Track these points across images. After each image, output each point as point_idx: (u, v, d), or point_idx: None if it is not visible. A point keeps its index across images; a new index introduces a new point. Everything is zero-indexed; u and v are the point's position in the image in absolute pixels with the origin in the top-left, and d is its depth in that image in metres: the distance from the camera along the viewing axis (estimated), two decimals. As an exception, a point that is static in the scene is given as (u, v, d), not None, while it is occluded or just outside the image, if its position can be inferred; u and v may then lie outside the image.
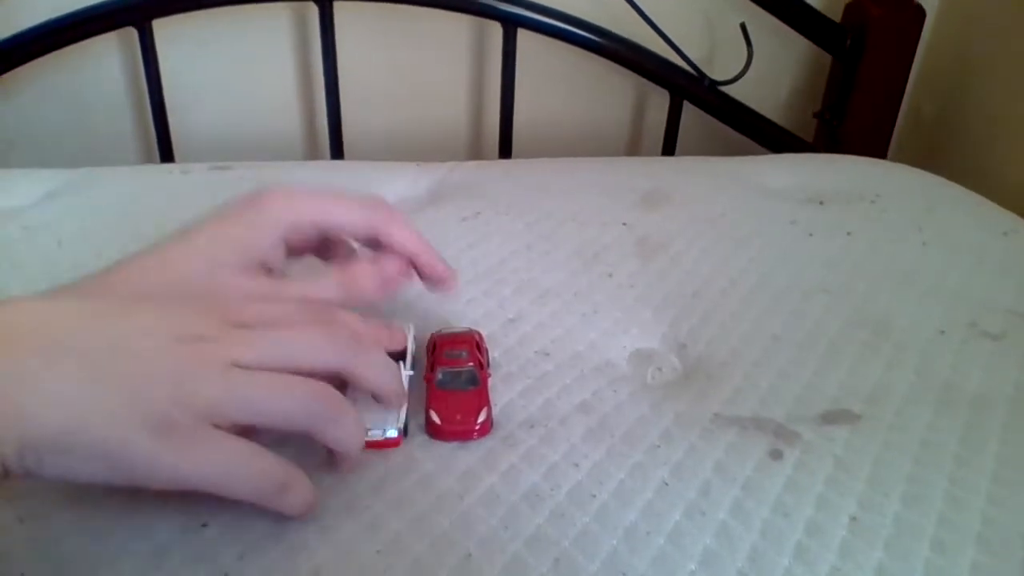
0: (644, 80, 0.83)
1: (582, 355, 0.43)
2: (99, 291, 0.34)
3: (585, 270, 0.51)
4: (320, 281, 0.37)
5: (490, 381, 0.39)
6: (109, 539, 0.31)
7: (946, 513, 0.34)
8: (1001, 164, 0.79)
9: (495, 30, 0.79)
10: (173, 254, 0.35)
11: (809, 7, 0.81)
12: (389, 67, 0.86)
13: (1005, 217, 0.61)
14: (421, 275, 0.40)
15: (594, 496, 0.34)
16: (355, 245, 0.41)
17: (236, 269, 0.35)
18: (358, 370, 0.31)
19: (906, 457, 0.36)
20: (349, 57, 0.80)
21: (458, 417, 0.36)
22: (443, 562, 0.30)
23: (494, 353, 0.42)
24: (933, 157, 0.88)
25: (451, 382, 0.38)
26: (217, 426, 0.27)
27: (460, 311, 0.46)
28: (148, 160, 0.86)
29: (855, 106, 0.84)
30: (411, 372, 0.38)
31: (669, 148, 0.86)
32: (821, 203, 0.62)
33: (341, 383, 0.32)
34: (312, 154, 0.90)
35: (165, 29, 0.76)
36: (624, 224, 0.56)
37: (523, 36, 0.78)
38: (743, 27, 0.80)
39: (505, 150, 0.84)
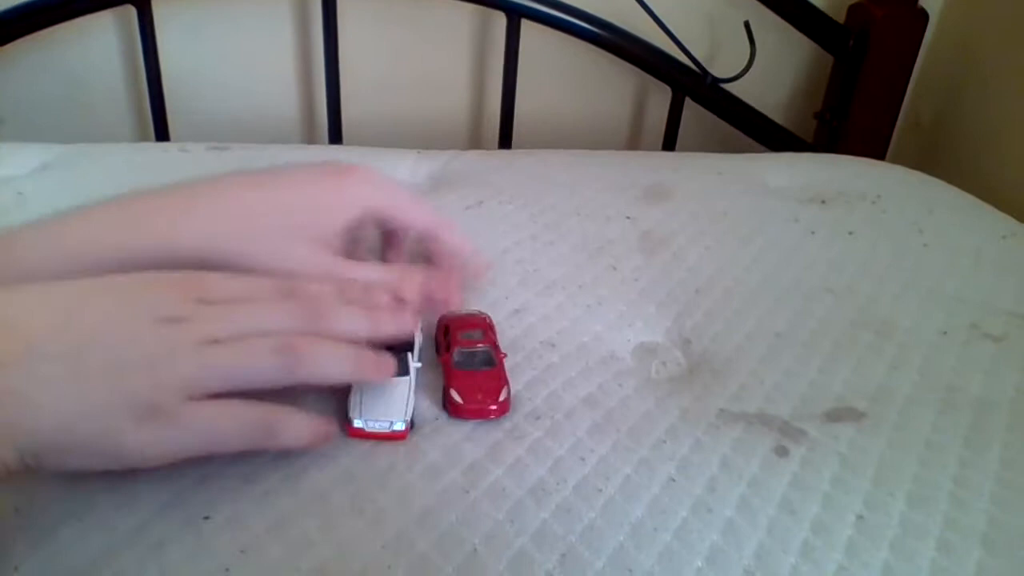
0: (646, 75, 0.83)
1: (587, 347, 0.42)
2: (181, 205, 0.37)
3: (589, 263, 0.50)
4: (378, 270, 0.39)
5: (505, 361, 0.39)
6: (108, 532, 0.30)
7: (951, 514, 0.34)
8: (999, 168, 0.80)
9: (499, 20, 0.78)
10: (256, 195, 0.38)
11: (813, 7, 0.81)
12: (390, 53, 0.85)
13: (1003, 220, 0.62)
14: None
15: (600, 491, 0.33)
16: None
17: (307, 240, 0.37)
18: (323, 326, 0.32)
19: (911, 457, 0.36)
20: (350, 41, 0.79)
21: (479, 396, 0.37)
22: (449, 558, 0.30)
23: (499, 343, 0.42)
24: (931, 160, 0.89)
25: (468, 362, 0.38)
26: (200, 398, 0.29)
27: (464, 299, 0.45)
28: (143, 140, 0.85)
29: (855, 107, 0.84)
30: (419, 364, 0.38)
31: (669, 144, 0.86)
32: (823, 202, 0.62)
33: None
34: (309, 138, 0.89)
35: (164, 7, 0.75)
36: (628, 218, 0.56)
37: (526, 27, 0.77)
38: (747, 25, 0.80)
39: (505, 141, 0.83)
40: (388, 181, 0.41)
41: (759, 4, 0.80)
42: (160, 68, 0.76)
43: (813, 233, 0.56)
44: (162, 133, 0.79)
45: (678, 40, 0.79)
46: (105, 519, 0.30)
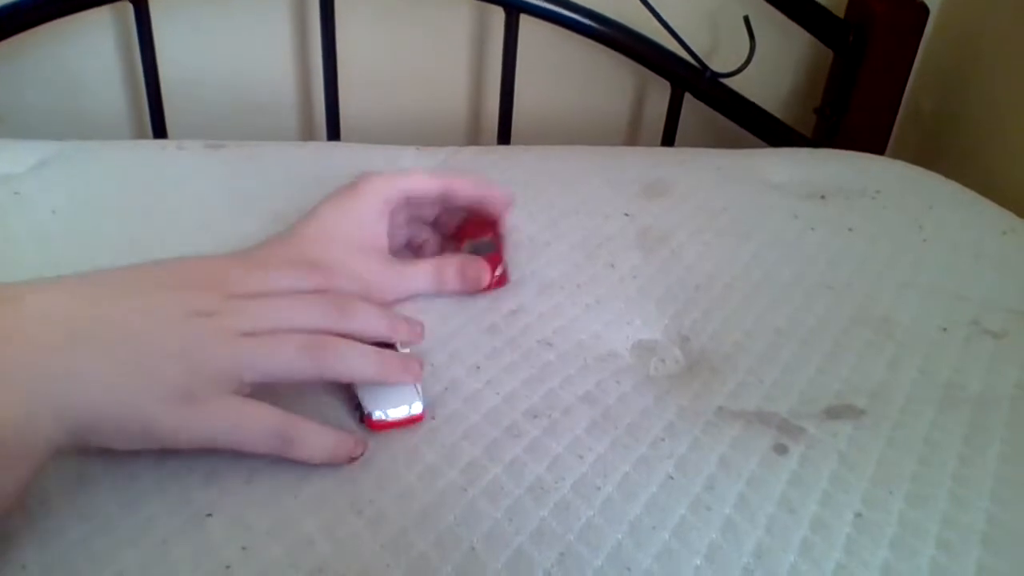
0: (645, 70, 0.82)
1: (586, 344, 0.42)
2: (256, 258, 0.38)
3: (588, 261, 0.50)
4: (419, 268, 0.44)
5: (505, 246, 0.46)
6: (112, 530, 0.30)
7: (951, 512, 0.33)
8: (999, 163, 0.80)
9: (497, 15, 0.78)
10: (304, 238, 0.40)
11: (813, 1, 0.81)
12: (388, 48, 0.85)
13: (1003, 216, 0.61)
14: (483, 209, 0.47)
15: (599, 489, 0.33)
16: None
17: (357, 251, 0.41)
18: (344, 326, 0.35)
19: (910, 455, 0.36)
20: (348, 36, 0.79)
21: None
22: (447, 557, 0.30)
23: (495, 342, 0.42)
24: (931, 154, 0.88)
25: (474, 250, 0.45)
26: (234, 390, 0.31)
27: (461, 299, 0.45)
28: (140, 137, 0.85)
29: (855, 102, 0.83)
30: (407, 350, 0.39)
31: (668, 139, 0.86)
32: (822, 198, 0.62)
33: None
34: (307, 135, 0.89)
35: (161, 3, 0.74)
36: (626, 215, 0.56)
37: (524, 22, 0.77)
38: (746, 20, 0.80)
39: (504, 136, 0.83)
40: (393, 172, 0.45)
41: (759, -1, 0.80)
42: (157, 65, 0.76)
43: (813, 229, 0.56)
44: (159, 130, 0.78)
45: (677, 35, 0.79)
46: (110, 518, 0.30)
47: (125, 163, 0.61)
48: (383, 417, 0.35)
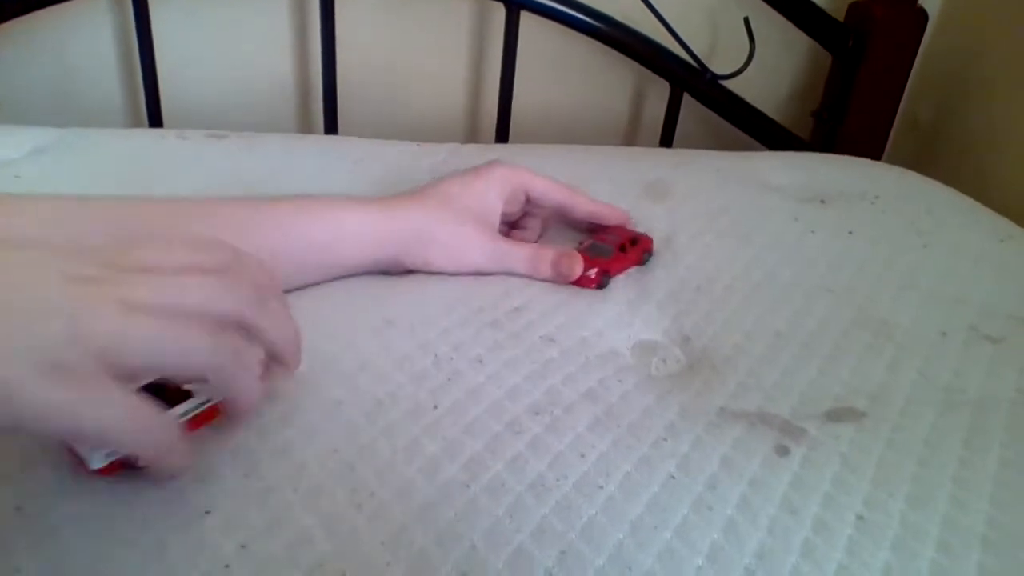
0: (644, 70, 0.83)
1: (588, 342, 0.42)
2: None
3: (589, 258, 0.50)
4: (519, 250, 0.48)
5: (621, 259, 0.49)
6: (109, 531, 0.29)
7: (951, 515, 0.33)
8: (995, 170, 0.80)
9: (498, 11, 0.78)
10: (430, 198, 0.47)
11: (813, 5, 0.81)
12: (388, 43, 0.85)
13: (1000, 223, 0.62)
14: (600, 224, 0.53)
15: (601, 487, 0.33)
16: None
17: (473, 221, 0.47)
18: (257, 320, 0.29)
19: (911, 458, 0.36)
20: (347, 30, 0.78)
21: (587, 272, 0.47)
22: (448, 554, 0.29)
23: (498, 336, 0.42)
24: (928, 160, 0.89)
25: (594, 250, 0.49)
26: (113, 375, 0.26)
27: (464, 295, 0.45)
28: (135, 126, 0.84)
29: (853, 106, 0.84)
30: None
31: (667, 139, 0.86)
32: (822, 202, 0.62)
33: None
34: (305, 128, 0.88)
35: (158, -7, 0.74)
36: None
37: (525, 19, 0.77)
38: (747, 22, 0.80)
39: (502, 134, 0.83)
40: (521, 167, 0.50)
41: (760, 1, 0.80)
42: (154, 53, 0.75)
43: (813, 232, 0.56)
44: (155, 119, 0.78)
45: (678, 35, 0.79)
46: (107, 518, 0.30)
47: (125, 151, 0.60)
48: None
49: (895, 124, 0.87)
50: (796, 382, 0.41)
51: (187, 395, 0.31)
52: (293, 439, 0.34)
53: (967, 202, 0.65)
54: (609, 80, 0.89)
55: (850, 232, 0.57)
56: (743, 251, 0.53)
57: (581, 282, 0.47)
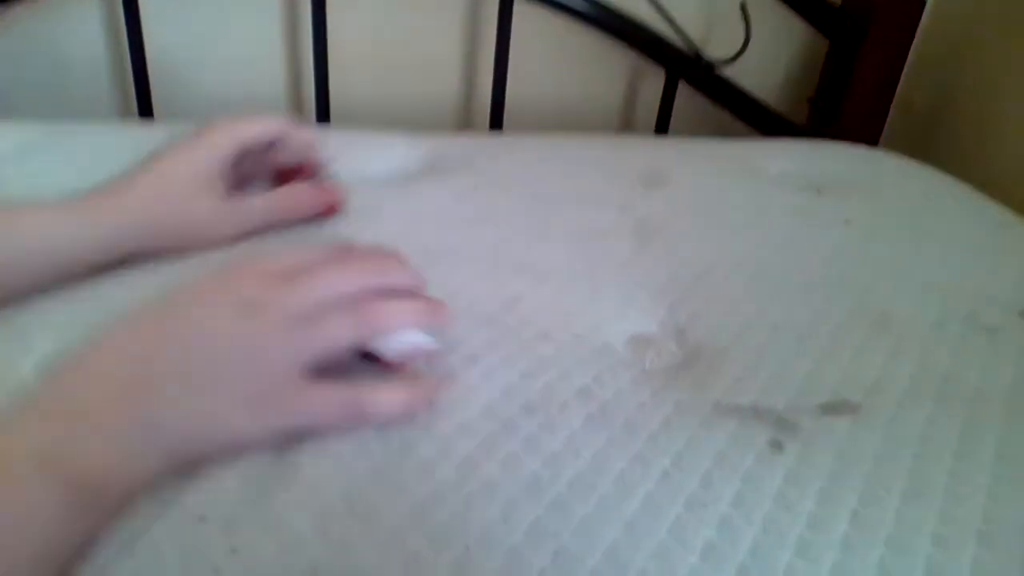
0: (639, 58, 0.82)
1: (581, 338, 0.42)
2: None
3: (583, 252, 0.50)
4: (252, 200, 0.47)
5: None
6: (105, 536, 0.29)
7: (946, 509, 0.33)
8: (992, 156, 0.80)
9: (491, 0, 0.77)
10: (143, 184, 0.44)
11: (809, -11, 0.80)
12: (380, 32, 0.84)
13: (998, 211, 0.61)
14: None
15: (594, 486, 0.33)
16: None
17: (209, 188, 0.45)
18: (384, 280, 0.36)
19: (906, 451, 0.36)
20: (339, 19, 0.77)
21: None
22: (441, 557, 0.29)
23: (492, 333, 0.41)
24: (923, 146, 0.88)
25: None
26: (299, 375, 0.32)
27: (459, 290, 0.44)
28: (126, 120, 0.83)
29: (850, 92, 0.83)
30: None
31: (662, 127, 0.85)
32: (819, 191, 0.61)
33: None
34: (297, 117, 0.87)
35: (146, -17, 0.73)
36: (622, 206, 0.55)
37: (519, 6, 0.76)
38: (743, 7, 0.79)
39: (496, 122, 0.82)
40: (243, 117, 0.47)
41: (755, -14, 0.79)
42: (144, 46, 0.74)
43: (809, 221, 0.56)
44: (146, 112, 0.77)
45: (673, 21, 0.78)
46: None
47: (114, 145, 0.59)
48: (399, 350, 0.35)
49: (892, 110, 0.87)
50: (792, 375, 0.41)
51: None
52: (288, 441, 0.33)
53: (964, 190, 0.65)
54: (604, 68, 0.88)
55: (846, 221, 0.56)
56: (739, 241, 0.53)
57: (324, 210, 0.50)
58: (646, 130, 0.88)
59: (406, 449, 0.34)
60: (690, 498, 0.33)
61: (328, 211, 0.50)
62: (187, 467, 0.31)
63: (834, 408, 0.39)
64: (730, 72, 0.82)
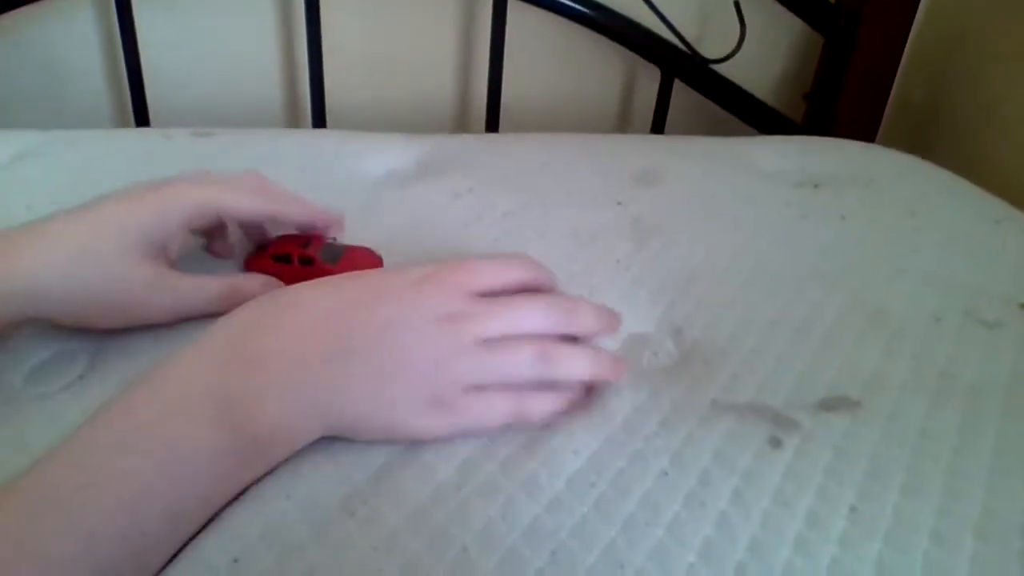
0: (634, 56, 0.82)
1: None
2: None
3: (580, 251, 0.50)
4: (229, 281, 0.41)
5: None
6: None
7: (945, 504, 0.33)
8: (990, 151, 0.79)
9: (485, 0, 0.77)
10: (82, 228, 0.36)
11: (804, -15, 0.80)
12: (374, 34, 0.84)
13: (995, 204, 0.61)
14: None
15: (593, 485, 0.33)
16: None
17: (143, 255, 0.37)
18: (572, 328, 0.37)
19: (904, 447, 0.36)
20: (333, 21, 0.77)
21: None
22: (440, 558, 0.29)
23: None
24: (921, 142, 0.88)
25: (331, 256, 0.44)
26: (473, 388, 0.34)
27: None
28: (122, 126, 0.83)
29: (846, 88, 0.83)
30: None
31: (658, 126, 0.85)
32: (815, 186, 0.61)
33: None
34: (292, 122, 0.87)
35: (140, -11, 0.73)
36: (618, 204, 0.55)
37: (513, 7, 0.76)
38: (736, 5, 0.79)
39: (492, 123, 0.82)
40: (212, 177, 0.42)
41: (749, -17, 0.79)
42: (139, 51, 0.74)
43: (805, 217, 0.56)
44: (141, 118, 0.77)
45: (667, 20, 0.78)
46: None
47: (109, 153, 0.59)
48: None
49: (888, 106, 0.87)
50: (789, 372, 0.41)
51: None
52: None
53: (962, 184, 0.64)
54: (599, 67, 0.88)
55: (843, 217, 0.56)
56: (735, 238, 0.52)
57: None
58: (642, 129, 0.88)
59: (407, 455, 0.34)
60: (688, 496, 0.33)
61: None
62: (353, 435, 0.33)
63: (832, 404, 0.39)
64: (726, 70, 0.82)
